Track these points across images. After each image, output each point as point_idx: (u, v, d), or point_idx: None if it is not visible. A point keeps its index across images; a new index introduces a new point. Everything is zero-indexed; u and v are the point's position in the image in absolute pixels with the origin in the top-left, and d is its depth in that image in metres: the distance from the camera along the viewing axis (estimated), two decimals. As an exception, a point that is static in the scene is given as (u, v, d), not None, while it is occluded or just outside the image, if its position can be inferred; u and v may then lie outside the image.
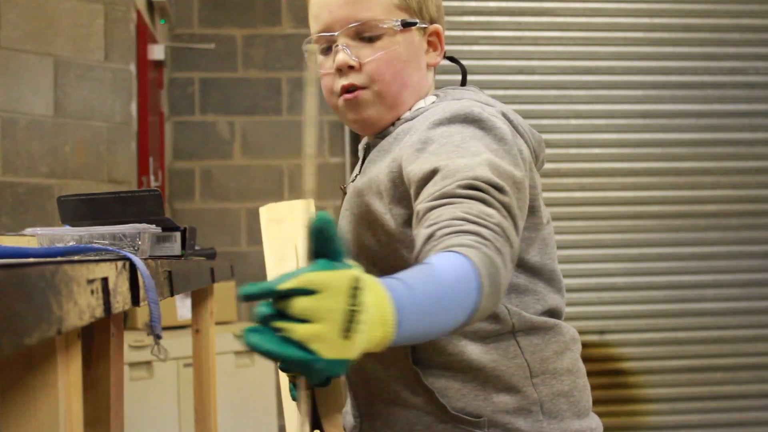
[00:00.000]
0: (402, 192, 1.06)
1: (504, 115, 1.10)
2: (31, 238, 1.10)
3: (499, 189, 0.93)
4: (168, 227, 1.25)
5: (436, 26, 1.20)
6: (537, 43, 3.74)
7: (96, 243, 1.00)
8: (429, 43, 1.20)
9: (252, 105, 3.67)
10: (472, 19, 3.73)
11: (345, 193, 1.21)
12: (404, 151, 1.05)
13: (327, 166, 3.69)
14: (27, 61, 2.44)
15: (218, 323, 2.50)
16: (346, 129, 3.69)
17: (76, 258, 0.89)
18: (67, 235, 1.01)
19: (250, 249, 3.64)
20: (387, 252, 1.10)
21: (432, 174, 0.97)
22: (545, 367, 1.11)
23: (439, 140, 1.02)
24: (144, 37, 2.80)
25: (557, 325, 1.13)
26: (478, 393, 1.07)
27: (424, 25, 1.17)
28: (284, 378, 1.19)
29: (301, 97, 3.70)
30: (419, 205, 0.95)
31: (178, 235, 1.26)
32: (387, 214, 1.08)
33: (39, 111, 2.46)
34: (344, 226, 1.17)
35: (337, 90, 1.16)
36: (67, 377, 0.66)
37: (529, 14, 3.76)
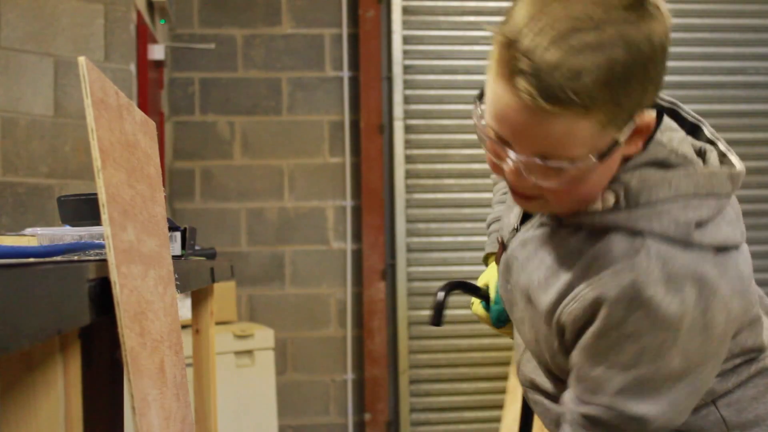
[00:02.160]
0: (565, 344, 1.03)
1: (705, 253, 0.93)
2: (31, 238, 1.10)
3: (634, 419, 0.95)
4: (168, 227, 1.25)
5: (648, 119, 0.93)
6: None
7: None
8: (635, 132, 0.94)
9: (252, 105, 3.67)
10: (472, 19, 3.74)
11: (503, 246, 1.12)
12: (568, 320, 0.97)
13: (327, 166, 3.69)
14: (27, 61, 2.44)
15: (218, 323, 2.50)
16: (347, 129, 3.69)
17: (75, 258, 0.89)
18: (67, 235, 1.01)
19: (250, 249, 3.64)
20: (551, 362, 1.08)
21: (577, 369, 0.99)
22: (744, 419, 1.05)
23: (597, 326, 0.93)
24: (144, 37, 2.80)
25: (759, 372, 1.05)
26: None
27: (629, 131, 0.92)
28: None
29: (302, 97, 3.70)
30: (567, 395, 1.02)
31: (178, 235, 1.26)
32: (556, 348, 1.04)
33: (39, 111, 2.46)
34: (506, 290, 1.11)
35: (505, 180, 0.97)
36: (67, 377, 0.66)
37: (529, 14, 3.76)
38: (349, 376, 3.66)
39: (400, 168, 3.66)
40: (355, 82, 3.70)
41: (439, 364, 3.67)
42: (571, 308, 0.96)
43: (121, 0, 2.63)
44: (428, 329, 3.67)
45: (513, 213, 1.12)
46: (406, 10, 3.72)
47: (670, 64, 3.64)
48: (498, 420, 3.57)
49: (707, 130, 1.07)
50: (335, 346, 3.67)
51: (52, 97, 2.49)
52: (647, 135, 0.95)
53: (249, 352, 3.06)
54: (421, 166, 3.70)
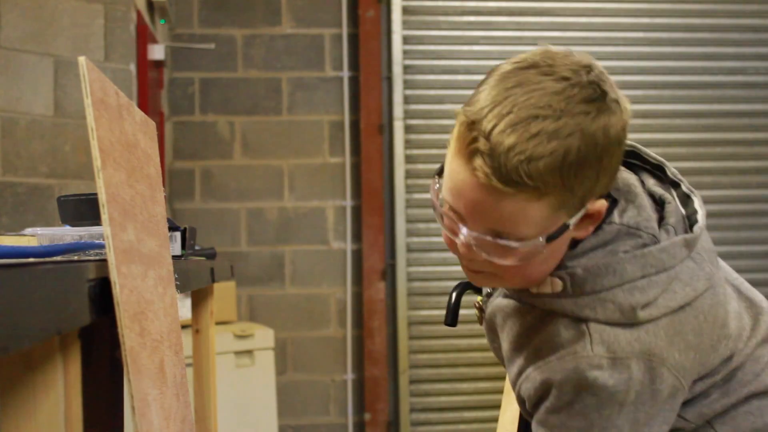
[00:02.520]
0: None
1: (646, 341, 0.96)
2: (31, 238, 1.10)
3: None
4: (168, 227, 1.25)
5: (599, 206, 0.95)
6: (537, 43, 3.74)
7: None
8: (585, 217, 0.95)
9: (252, 105, 3.67)
10: (472, 19, 3.74)
11: (481, 311, 1.17)
12: (524, 394, 1.03)
13: (327, 166, 3.69)
14: (27, 61, 2.44)
15: (218, 323, 2.50)
16: (347, 129, 3.69)
17: (75, 258, 0.89)
18: (67, 235, 1.01)
19: (250, 249, 3.64)
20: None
21: None
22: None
23: (547, 405, 0.99)
24: (144, 37, 2.80)
25: (753, 394, 1.06)
26: None
27: (580, 216, 0.94)
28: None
29: (302, 97, 3.70)
30: None
31: (178, 235, 1.26)
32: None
33: (39, 111, 2.46)
34: (494, 351, 1.16)
35: (457, 255, 1.01)
36: (67, 377, 0.66)
37: (529, 14, 3.76)
38: (349, 376, 3.66)
39: (400, 168, 3.66)
40: (355, 82, 3.70)
41: (439, 364, 3.67)
42: (524, 387, 1.02)
43: (121, 0, 2.63)
44: (428, 329, 3.67)
45: None
46: (406, 10, 3.72)
47: (670, 64, 3.62)
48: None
49: (669, 171, 1.09)
50: (335, 346, 3.67)
51: (52, 97, 2.49)
52: (598, 220, 0.97)
53: (249, 352, 3.06)
54: (421, 166, 3.70)
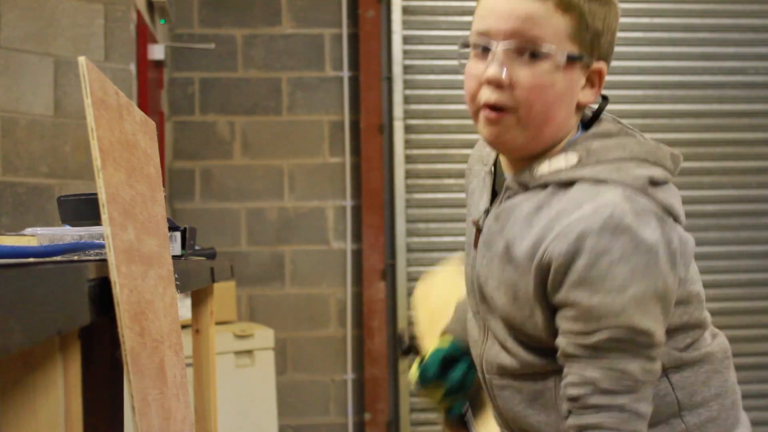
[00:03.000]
0: (546, 289, 1.07)
1: (659, 206, 1.04)
2: (31, 238, 1.10)
3: (642, 332, 1.01)
4: (168, 227, 1.25)
5: (601, 66, 1.11)
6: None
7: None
8: (588, 79, 1.11)
9: (252, 105, 3.67)
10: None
11: (478, 229, 1.17)
12: (552, 256, 1.03)
13: (327, 166, 3.69)
14: (27, 61, 2.44)
15: (218, 323, 2.50)
16: (347, 129, 3.69)
17: (75, 258, 0.89)
18: (67, 235, 1.01)
19: (250, 249, 3.64)
20: (527, 323, 1.10)
21: (574, 306, 1.02)
22: (694, 401, 1.13)
23: (586, 258, 1.00)
24: (144, 37, 2.80)
25: (708, 355, 1.14)
26: None
27: (589, 62, 1.09)
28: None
29: (302, 97, 3.70)
30: (560, 338, 1.05)
31: (178, 235, 1.26)
32: (536, 300, 1.07)
33: (39, 111, 2.46)
34: (482, 276, 1.15)
35: (480, 101, 1.09)
36: (67, 377, 0.66)
37: (529, 14, 3.76)
38: (349, 376, 3.66)
39: (400, 168, 3.66)
40: (355, 82, 3.70)
41: (439, 364, 3.67)
42: (555, 245, 1.02)
43: (121, 0, 2.63)
44: (428, 329, 3.67)
45: (482, 200, 1.20)
46: (406, 10, 3.72)
47: (670, 64, 3.61)
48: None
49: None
50: (335, 346, 3.67)
51: (52, 97, 2.49)
52: (599, 85, 1.11)
53: (249, 352, 3.06)
54: (421, 166, 3.70)
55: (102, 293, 0.67)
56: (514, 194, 1.12)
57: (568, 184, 1.07)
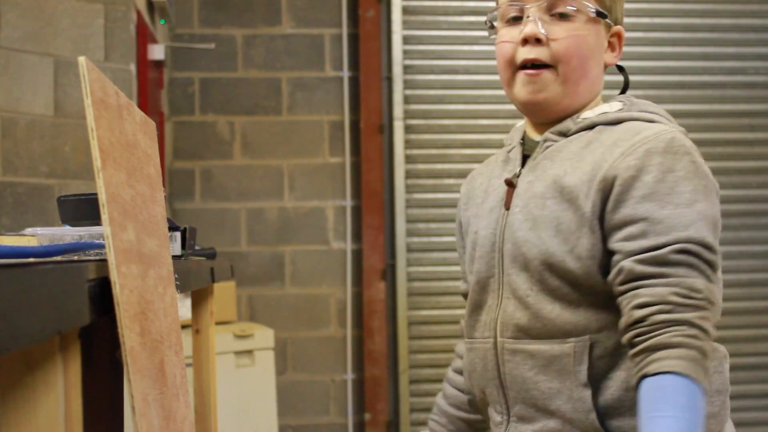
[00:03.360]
0: (605, 209, 1.08)
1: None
2: (31, 238, 1.10)
3: (710, 248, 1.04)
4: (168, 227, 1.25)
5: (620, 28, 1.21)
6: (537, 43, 3.74)
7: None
8: (609, 43, 1.20)
9: (252, 105, 3.67)
10: (472, 19, 3.74)
11: (512, 186, 1.19)
12: (618, 170, 1.06)
13: (327, 166, 3.69)
14: (27, 61, 2.44)
15: (218, 323, 2.50)
16: (346, 129, 3.69)
17: (75, 258, 0.89)
18: (67, 235, 1.01)
19: (250, 249, 3.64)
20: (567, 257, 1.10)
21: (643, 220, 1.04)
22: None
23: (654, 173, 1.05)
24: (144, 37, 2.80)
25: (716, 350, 1.13)
26: (633, 415, 1.06)
27: (610, 23, 1.19)
28: None
29: (302, 97, 3.70)
30: (625, 261, 1.04)
31: (178, 235, 1.26)
32: (584, 227, 1.08)
33: (39, 111, 2.46)
34: (516, 223, 1.15)
35: (517, 61, 1.16)
36: (67, 377, 0.66)
37: (529, 14, 3.75)
38: (349, 376, 3.66)
39: (400, 168, 3.66)
40: (355, 82, 3.70)
41: (439, 364, 3.67)
42: (621, 162, 1.07)
43: (121, 0, 2.63)
44: (428, 329, 3.68)
45: (512, 167, 1.23)
46: (406, 10, 3.72)
47: (670, 64, 3.62)
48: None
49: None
50: (335, 346, 3.67)
51: (52, 97, 2.49)
52: (620, 46, 1.21)
53: (249, 352, 3.06)
54: (421, 166, 3.69)
55: (102, 293, 0.67)
56: (551, 144, 1.17)
57: (616, 122, 1.14)
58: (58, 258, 0.83)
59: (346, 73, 3.70)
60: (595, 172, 1.08)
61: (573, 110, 1.17)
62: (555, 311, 1.11)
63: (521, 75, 1.15)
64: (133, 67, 2.70)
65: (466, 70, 3.70)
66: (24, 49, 2.43)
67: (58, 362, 0.64)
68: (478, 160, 3.68)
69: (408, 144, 3.69)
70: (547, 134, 1.18)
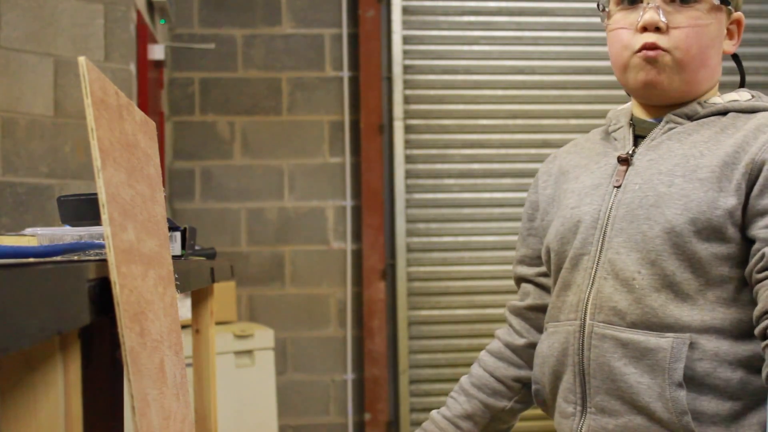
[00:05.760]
0: (752, 194, 1.05)
1: None
2: (31, 238, 1.10)
3: None
4: (168, 227, 1.25)
5: (741, 14, 1.21)
6: (537, 43, 3.74)
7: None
8: (728, 30, 1.19)
9: (252, 105, 3.67)
10: (472, 19, 3.74)
11: (626, 163, 1.16)
12: (765, 155, 1.05)
13: (327, 166, 3.69)
14: (27, 61, 2.44)
15: (218, 323, 2.49)
16: (346, 129, 3.69)
17: (75, 258, 0.89)
18: (67, 235, 1.01)
19: (250, 249, 3.64)
20: (693, 238, 1.05)
21: None
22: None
23: None
24: (144, 37, 2.80)
25: None
26: (730, 423, 1.03)
27: (731, 10, 1.17)
28: None
29: (302, 97, 3.70)
30: (765, 248, 1.01)
31: (178, 235, 1.26)
32: (717, 209, 1.04)
33: (39, 111, 2.46)
34: (636, 200, 1.11)
35: (635, 46, 1.13)
36: (67, 377, 0.66)
37: (529, 14, 3.76)
38: (349, 376, 3.66)
39: (400, 168, 3.66)
40: (355, 82, 3.70)
41: (439, 364, 3.67)
42: (766, 150, 1.04)
43: (121, 0, 2.63)
44: (428, 329, 3.67)
45: (613, 147, 1.21)
46: (406, 10, 3.72)
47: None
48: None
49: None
50: (335, 346, 3.67)
51: (52, 97, 2.49)
52: (739, 33, 1.20)
53: (249, 352, 3.06)
54: (421, 166, 3.70)
55: (102, 293, 0.67)
56: (674, 126, 1.15)
57: (750, 111, 1.13)
58: (58, 258, 0.83)
59: (346, 73, 3.70)
60: (738, 155, 1.05)
61: (691, 97, 1.16)
62: (660, 299, 1.06)
63: (637, 58, 1.12)
64: (133, 67, 2.70)
65: (466, 70, 3.70)
66: (24, 49, 2.43)
67: (58, 362, 0.64)
68: (478, 160, 3.70)
69: (408, 144, 3.69)
70: (670, 116, 1.16)
